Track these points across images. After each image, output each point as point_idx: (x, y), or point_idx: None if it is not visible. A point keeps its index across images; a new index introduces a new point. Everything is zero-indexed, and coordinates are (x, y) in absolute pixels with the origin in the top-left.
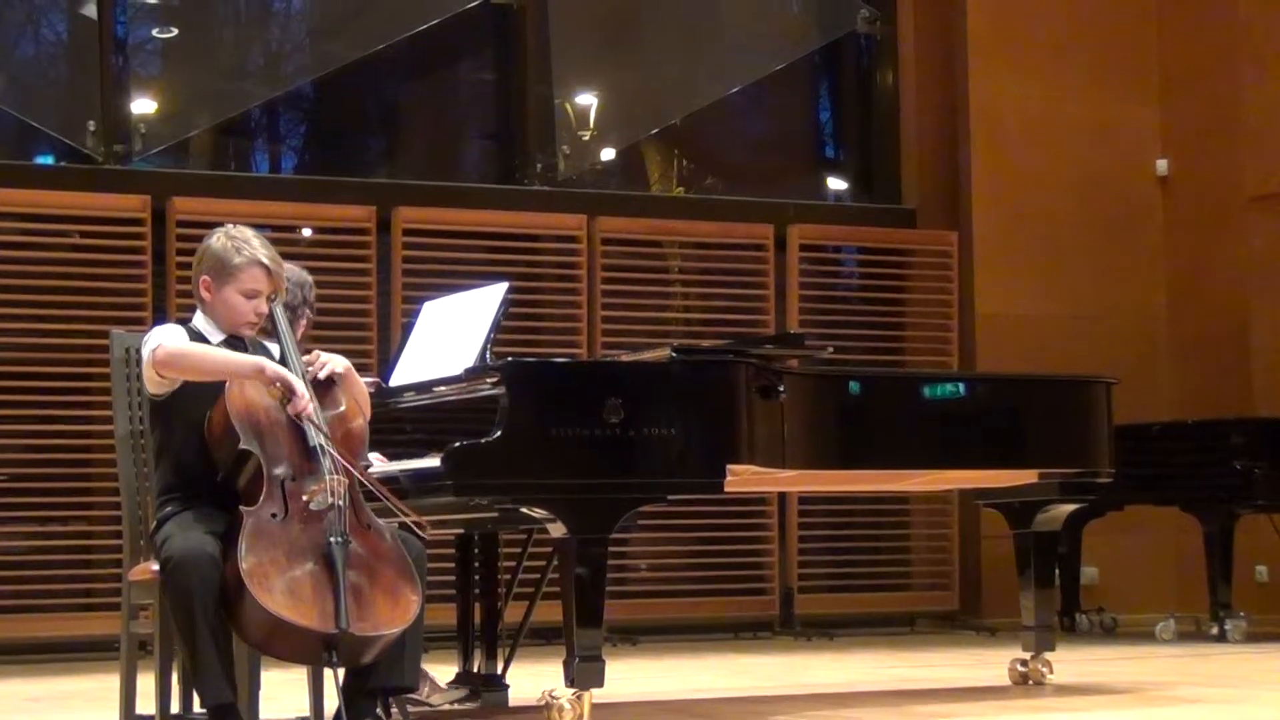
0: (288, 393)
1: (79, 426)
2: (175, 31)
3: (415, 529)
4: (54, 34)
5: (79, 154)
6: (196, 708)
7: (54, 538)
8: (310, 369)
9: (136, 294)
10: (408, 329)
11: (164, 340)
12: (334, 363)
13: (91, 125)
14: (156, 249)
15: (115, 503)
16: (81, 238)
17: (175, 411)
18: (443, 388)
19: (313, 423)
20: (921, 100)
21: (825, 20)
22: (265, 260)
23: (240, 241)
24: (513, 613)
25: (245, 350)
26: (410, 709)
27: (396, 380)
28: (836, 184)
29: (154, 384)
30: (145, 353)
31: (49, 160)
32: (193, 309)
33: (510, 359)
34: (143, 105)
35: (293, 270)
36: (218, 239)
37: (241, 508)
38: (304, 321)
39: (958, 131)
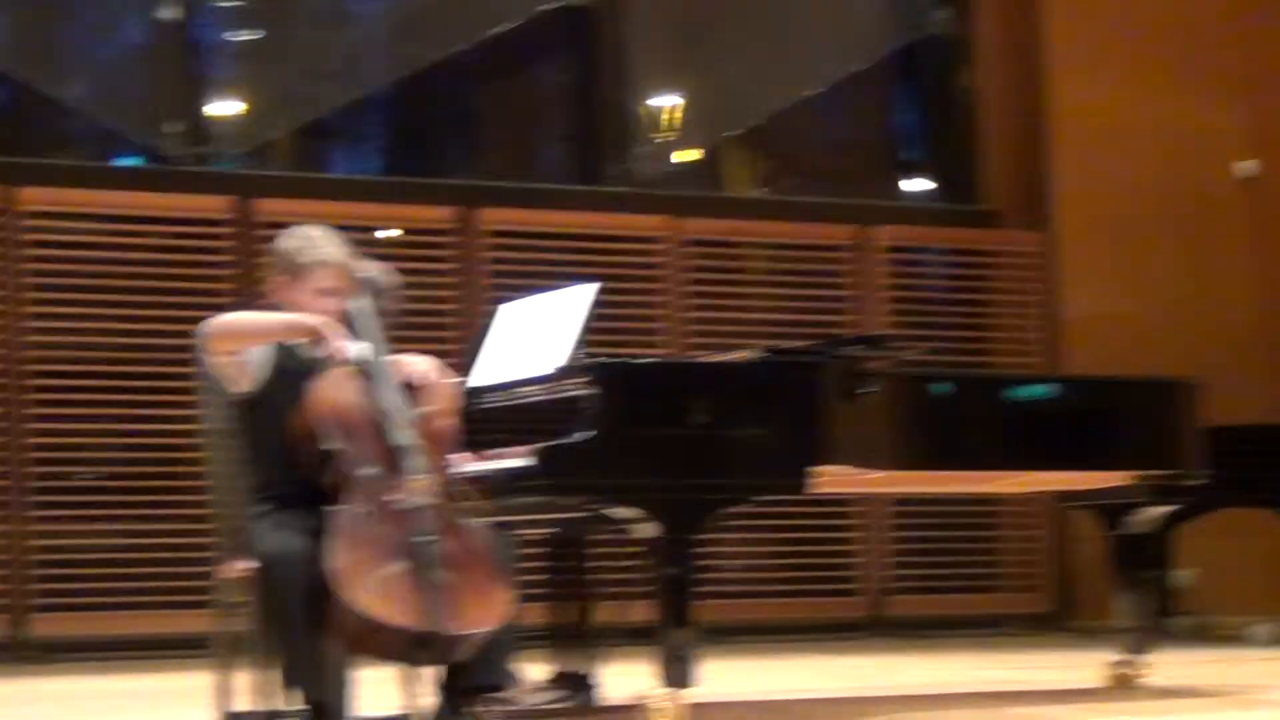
0: (317, 338)
1: (170, 425)
2: (256, 34)
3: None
4: (135, 37)
5: (161, 156)
6: (291, 705)
7: (146, 535)
8: (397, 370)
9: (220, 294)
10: (482, 330)
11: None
12: (420, 364)
13: (173, 128)
14: (240, 250)
15: (206, 501)
16: (167, 238)
17: (263, 411)
18: (530, 388)
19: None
20: (1002, 101)
21: (905, 22)
22: (336, 258)
23: (310, 241)
24: (603, 612)
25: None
26: (502, 708)
27: (475, 381)
28: (918, 185)
29: (217, 368)
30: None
31: (132, 162)
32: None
33: (604, 359)
34: (225, 107)
35: (377, 271)
36: (288, 240)
37: (331, 507)
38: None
39: (1040, 132)
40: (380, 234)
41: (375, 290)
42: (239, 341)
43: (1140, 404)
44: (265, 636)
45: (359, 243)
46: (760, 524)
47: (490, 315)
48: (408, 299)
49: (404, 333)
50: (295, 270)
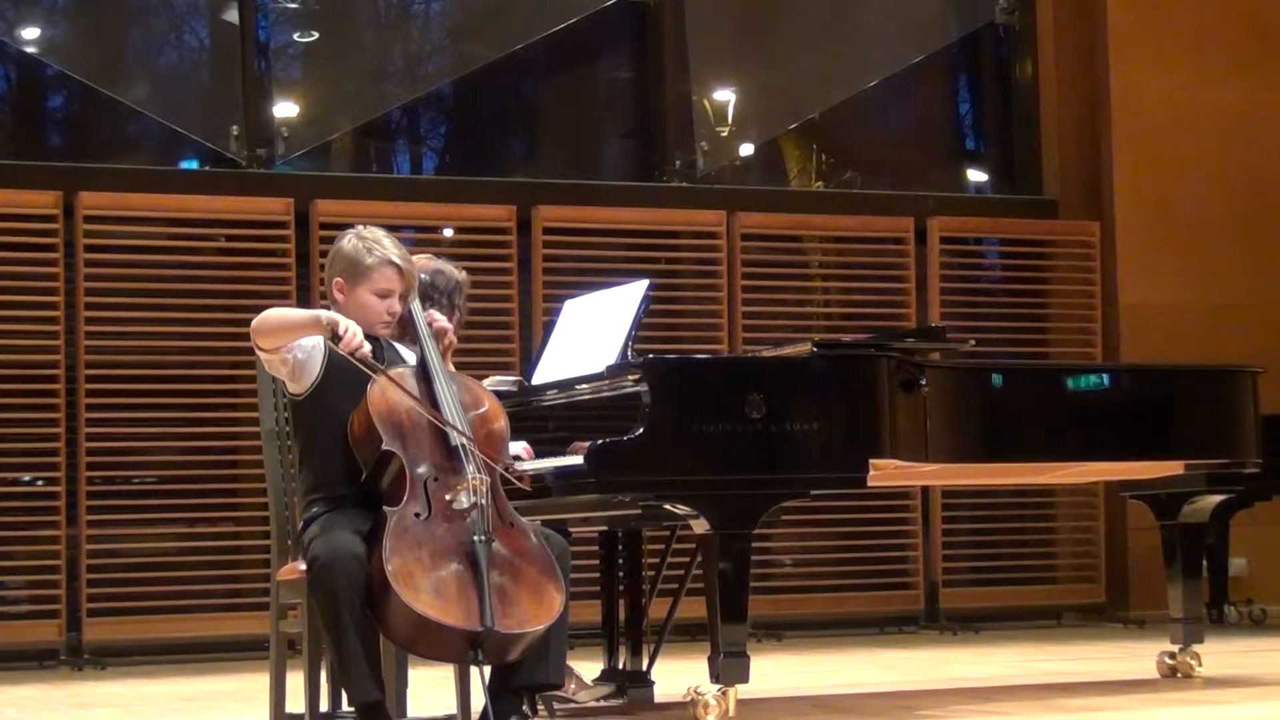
0: (335, 334)
1: (226, 428)
2: (316, 35)
3: (516, 480)
4: (196, 40)
5: (223, 158)
6: (345, 706)
7: (203, 539)
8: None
9: (281, 296)
10: (549, 327)
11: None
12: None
13: (235, 130)
14: (300, 251)
15: (263, 503)
16: (227, 241)
17: (318, 413)
18: (584, 386)
19: (370, 366)
20: (1062, 90)
21: (963, 12)
22: (397, 260)
23: (371, 242)
24: (657, 609)
25: (381, 352)
26: (556, 706)
27: (539, 379)
28: (977, 176)
29: (269, 365)
30: None
31: (194, 165)
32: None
33: (651, 356)
34: (285, 109)
35: (445, 270)
36: (349, 240)
37: (385, 508)
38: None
39: (1099, 121)
40: (440, 233)
41: (443, 290)
42: (268, 338)
43: (1197, 392)
44: (319, 638)
45: (417, 242)
46: (815, 518)
47: (556, 312)
48: (468, 298)
49: (464, 331)
50: (356, 271)
